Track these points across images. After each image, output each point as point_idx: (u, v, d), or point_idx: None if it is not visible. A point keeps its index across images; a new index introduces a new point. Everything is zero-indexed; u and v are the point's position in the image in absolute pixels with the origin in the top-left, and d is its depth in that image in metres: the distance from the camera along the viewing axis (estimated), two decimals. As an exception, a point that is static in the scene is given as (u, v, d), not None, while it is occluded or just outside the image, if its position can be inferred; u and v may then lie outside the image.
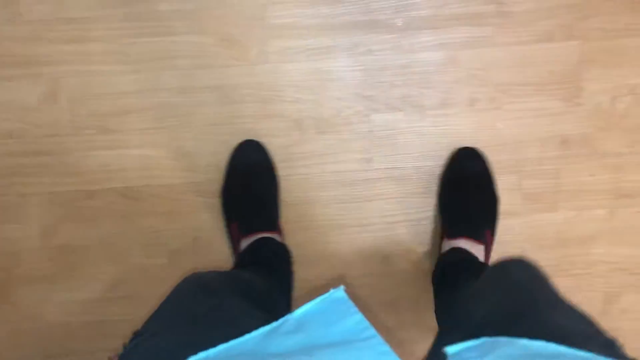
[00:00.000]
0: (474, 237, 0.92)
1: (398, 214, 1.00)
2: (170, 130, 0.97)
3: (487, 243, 0.94)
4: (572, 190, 0.99)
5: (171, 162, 0.98)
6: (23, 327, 1.02)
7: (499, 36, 0.95)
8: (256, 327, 0.53)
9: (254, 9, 0.94)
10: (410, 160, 0.99)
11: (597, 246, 1.01)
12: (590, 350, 0.47)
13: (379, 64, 0.96)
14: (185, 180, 0.98)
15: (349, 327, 0.55)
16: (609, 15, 0.95)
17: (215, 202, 0.98)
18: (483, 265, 0.89)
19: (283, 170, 0.98)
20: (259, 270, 0.84)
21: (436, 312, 0.89)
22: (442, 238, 0.97)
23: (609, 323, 1.01)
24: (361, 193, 0.99)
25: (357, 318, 0.55)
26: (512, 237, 1.00)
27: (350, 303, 0.57)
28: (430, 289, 0.96)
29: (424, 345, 1.02)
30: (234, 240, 0.95)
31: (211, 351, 0.49)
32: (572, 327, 0.53)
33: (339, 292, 0.58)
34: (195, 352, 0.48)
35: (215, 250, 1.00)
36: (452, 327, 0.68)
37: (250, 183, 0.95)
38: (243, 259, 0.91)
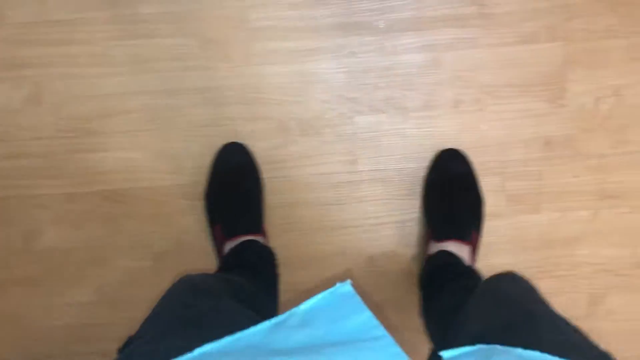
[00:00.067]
0: (460, 238, 0.92)
1: (383, 215, 1.00)
2: (155, 132, 0.97)
3: (474, 243, 0.94)
4: (556, 191, 0.99)
5: (155, 164, 0.98)
6: (4, 330, 1.02)
7: (483, 38, 0.95)
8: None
9: (238, 12, 0.94)
10: (393, 162, 0.98)
11: (582, 247, 1.01)
12: None
13: (363, 66, 0.96)
14: (169, 182, 0.98)
15: (357, 325, 0.53)
16: (592, 16, 0.95)
17: (200, 204, 0.98)
18: (470, 269, 0.89)
19: (267, 173, 0.98)
20: (244, 273, 0.84)
21: (424, 317, 0.89)
22: (428, 240, 0.97)
23: (594, 324, 1.02)
24: (345, 195, 0.99)
25: (366, 315, 0.54)
26: (496, 238, 1.00)
27: (358, 298, 0.55)
28: (415, 290, 0.96)
29: (410, 346, 1.01)
30: (218, 243, 0.95)
31: (219, 342, 0.48)
32: (566, 339, 0.53)
33: (346, 287, 0.56)
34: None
35: (200, 253, 1.00)
36: (449, 340, 0.67)
37: (233, 185, 0.95)
38: (227, 262, 0.90)
